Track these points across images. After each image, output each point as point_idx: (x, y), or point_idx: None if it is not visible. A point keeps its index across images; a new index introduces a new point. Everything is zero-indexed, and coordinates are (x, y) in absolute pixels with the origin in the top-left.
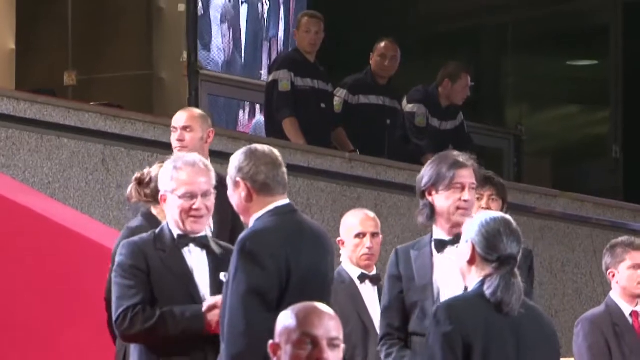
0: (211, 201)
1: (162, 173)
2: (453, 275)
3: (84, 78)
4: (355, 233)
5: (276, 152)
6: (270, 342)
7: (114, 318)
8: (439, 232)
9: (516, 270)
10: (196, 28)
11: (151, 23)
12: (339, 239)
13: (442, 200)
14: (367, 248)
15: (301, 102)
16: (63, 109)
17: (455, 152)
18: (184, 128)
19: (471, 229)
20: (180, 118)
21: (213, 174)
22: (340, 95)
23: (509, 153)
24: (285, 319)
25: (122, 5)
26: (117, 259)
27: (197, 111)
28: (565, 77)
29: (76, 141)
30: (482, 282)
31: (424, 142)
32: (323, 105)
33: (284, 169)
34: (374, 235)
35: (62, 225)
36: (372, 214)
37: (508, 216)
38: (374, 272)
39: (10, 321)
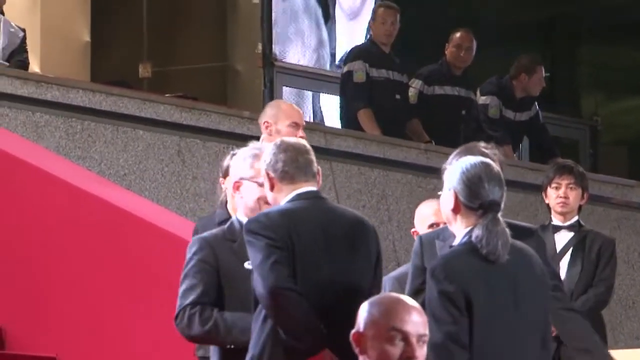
0: None
1: (238, 160)
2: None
3: (159, 70)
4: (428, 223)
5: (302, 142)
6: (354, 331)
7: (179, 307)
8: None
9: (499, 216)
10: (271, 19)
11: (225, 14)
12: (412, 229)
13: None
14: None
15: (376, 93)
16: (138, 100)
17: (481, 145)
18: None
19: (452, 177)
20: (300, 116)
21: None
22: (415, 86)
23: (584, 143)
24: (371, 309)
25: None
26: (187, 254)
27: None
28: None
29: (151, 133)
30: (470, 234)
31: (498, 133)
32: (398, 96)
33: (309, 156)
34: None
35: (138, 216)
36: None
37: (488, 160)
38: None
39: (87, 312)
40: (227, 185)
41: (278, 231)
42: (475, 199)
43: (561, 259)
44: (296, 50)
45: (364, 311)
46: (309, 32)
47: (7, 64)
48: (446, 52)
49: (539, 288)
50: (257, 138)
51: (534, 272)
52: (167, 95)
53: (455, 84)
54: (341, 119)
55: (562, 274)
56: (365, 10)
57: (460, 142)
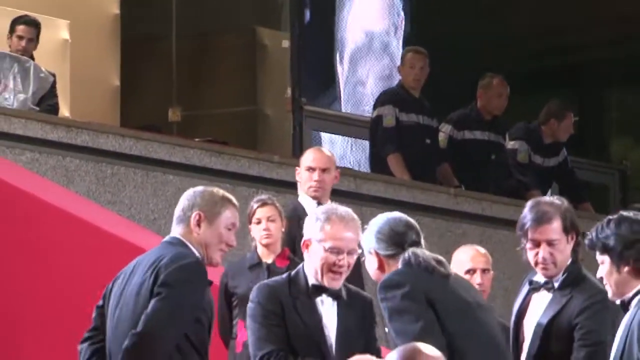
0: (354, 259)
1: (311, 218)
2: (534, 318)
3: (188, 114)
4: (465, 269)
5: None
6: None
7: (257, 357)
8: (539, 274)
9: (417, 248)
10: (300, 64)
11: (255, 59)
12: None
13: (527, 252)
14: (478, 284)
15: (406, 137)
16: (168, 145)
17: (546, 201)
18: (323, 170)
19: (369, 240)
20: (320, 159)
21: (361, 231)
22: (445, 130)
23: (614, 188)
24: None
25: (225, 42)
26: (253, 300)
27: (329, 152)
28: None
29: (181, 177)
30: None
31: (526, 178)
32: (428, 141)
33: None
34: (484, 271)
35: None
36: (482, 250)
37: (396, 213)
38: None
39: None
40: (253, 232)
41: None
42: (396, 247)
43: None
44: (327, 93)
45: None
46: (340, 74)
47: (37, 108)
48: (477, 97)
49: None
50: (286, 183)
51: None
52: (196, 139)
53: (485, 129)
54: (371, 163)
55: None
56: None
57: (489, 187)
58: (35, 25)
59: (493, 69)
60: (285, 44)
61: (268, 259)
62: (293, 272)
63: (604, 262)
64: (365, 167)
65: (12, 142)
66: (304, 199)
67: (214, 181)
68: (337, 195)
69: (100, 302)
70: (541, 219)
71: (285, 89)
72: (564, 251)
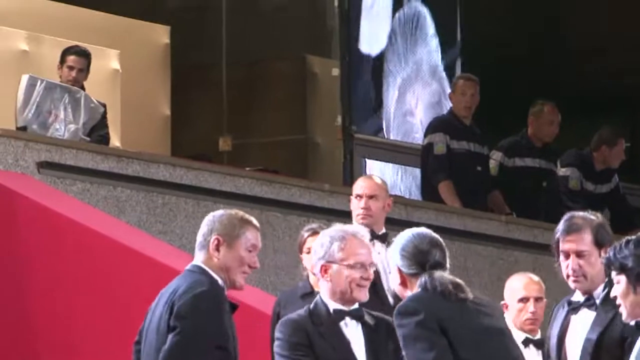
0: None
1: (322, 243)
2: (579, 336)
3: (239, 143)
4: (519, 297)
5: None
6: None
7: None
8: (577, 293)
9: (442, 272)
10: (350, 92)
11: (305, 87)
12: (502, 302)
13: (561, 265)
14: (531, 312)
15: (457, 165)
16: (219, 174)
17: (579, 215)
18: (370, 197)
19: (393, 255)
20: (367, 186)
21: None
22: (496, 158)
23: None
24: None
25: (275, 70)
26: (278, 336)
27: (380, 179)
28: None
29: (232, 206)
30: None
31: (578, 205)
32: (479, 168)
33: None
34: (537, 299)
35: None
36: (536, 278)
37: (423, 230)
38: (537, 336)
39: None
40: (305, 262)
41: None
42: (418, 267)
43: None
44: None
45: None
46: (389, 102)
47: (88, 139)
48: (529, 124)
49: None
50: (337, 211)
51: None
52: (247, 168)
53: (536, 156)
54: (422, 190)
55: None
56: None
57: (541, 215)
58: (85, 55)
59: (545, 95)
60: (335, 72)
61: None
62: (312, 304)
63: (620, 282)
64: (415, 195)
65: (64, 173)
66: (357, 228)
67: (265, 210)
68: (388, 223)
69: (137, 338)
70: (570, 229)
71: (335, 117)
72: (595, 265)
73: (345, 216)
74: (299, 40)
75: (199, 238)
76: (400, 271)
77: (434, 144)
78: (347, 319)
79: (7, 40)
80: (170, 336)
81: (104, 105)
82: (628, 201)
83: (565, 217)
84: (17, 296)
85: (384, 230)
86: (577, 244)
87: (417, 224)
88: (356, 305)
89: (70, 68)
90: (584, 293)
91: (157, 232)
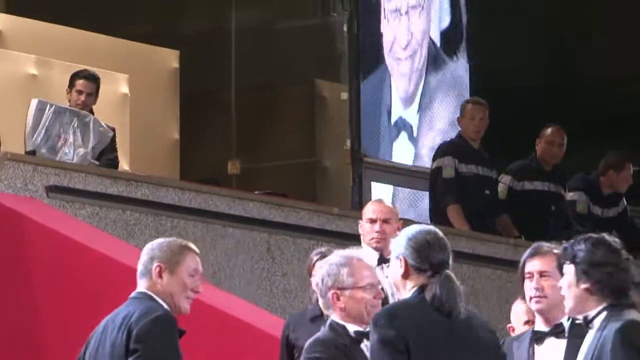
0: None
1: (329, 272)
2: None
3: (247, 167)
4: (524, 320)
5: None
6: None
7: None
8: (539, 322)
9: (451, 274)
10: (359, 115)
11: (314, 111)
12: (508, 325)
13: (525, 290)
14: None
15: (465, 188)
16: (228, 198)
17: (545, 244)
18: (384, 221)
19: (399, 245)
20: (380, 210)
21: None
22: (504, 181)
23: None
24: None
25: (284, 94)
26: (310, 355)
27: (391, 204)
28: None
29: (241, 230)
30: (421, 289)
31: (586, 229)
32: (487, 192)
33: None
34: None
35: (229, 314)
36: None
37: (432, 227)
38: None
39: None
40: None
41: None
42: (424, 261)
43: None
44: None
45: None
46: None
47: (97, 162)
48: (537, 147)
49: (485, 350)
50: (346, 235)
51: (479, 335)
52: (256, 192)
53: (545, 180)
54: (430, 214)
55: None
56: (417, 97)
57: (549, 238)
58: (94, 79)
59: (553, 119)
60: (344, 95)
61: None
62: (327, 327)
63: (568, 273)
64: (424, 218)
65: (73, 197)
66: (367, 251)
67: (273, 234)
68: None
69: None
70: (535, 252)
71: (344, 141)
72: (557, 289)
73: (354, 240)
74: (308, 64)
75: (140, 267)
76: (405, 262)
77: (443, 168)
78: (366, 340)
79: (17, 64)
80: (131, 359)
81: (113, 129)
82: (636, 225)
83: (532, 245)
84: (26, 319)
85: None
86: (540, 264)
87: None
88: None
89: (79, 92)
90: (546, 322)
91: None
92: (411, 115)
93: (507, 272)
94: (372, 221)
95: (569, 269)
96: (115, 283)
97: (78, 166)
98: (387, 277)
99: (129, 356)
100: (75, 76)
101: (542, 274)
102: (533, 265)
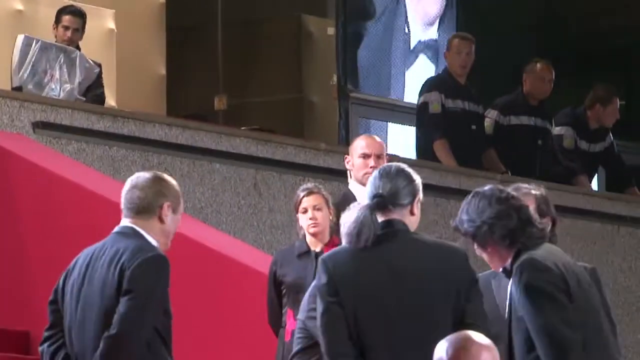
0: None
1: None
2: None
3: (234, 102)
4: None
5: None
6: None
7: None
8: None
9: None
10: (345, 51)
11: (301, 47)
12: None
13: None
14: None
15: (452, 124)
16: (214, 134)
17: (524, 185)
18: (378, 156)
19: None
20: (375, 145)
21: None
22: (491, 116)
23: None
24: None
25: (271, 30)
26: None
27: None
28: None
29: (228, 166)
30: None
31: (573, 163)
32: (474, 127)
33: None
34: None
35: (215, 250)
36: None
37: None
38: None
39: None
40: (300, 221)
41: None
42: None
43: None
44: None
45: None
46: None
47: (84, 98)
48: (524, 82)
49: (435, 283)
50: (333, 170)
51: (419, 257)
52: (243, 128)
53: (531, 114)
54: (417, 149)
55: None
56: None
57: (536, 173)
58: (80, 15)
59: (539, 54)
60: (331, 31)
61: (316, 247)
62: None
63: (478, 249)
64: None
65: (59, 133)
66: (355, 186)
67: (260, 169)
68: None
69: (52, 297)
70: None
71: (331, 77)
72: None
73: (340, 175)
74: None
75: (137, 201)
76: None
77: (430, 103)
78: None
79: (2, 0)
80: (123, 300)
81: (100, 65)
82: (623, 160)
83: (511, 187)
84: (13, 255)
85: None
86: None
87: None
88: None
89: (66, 28)
90: None
91: None
92: (432, 34)
93: None
94: (366, 156)
95: (473, 243)
96: (101, 219)
97: (64, 102)
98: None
99: (122, 296)
100: (61, 12)
101: None
102: None
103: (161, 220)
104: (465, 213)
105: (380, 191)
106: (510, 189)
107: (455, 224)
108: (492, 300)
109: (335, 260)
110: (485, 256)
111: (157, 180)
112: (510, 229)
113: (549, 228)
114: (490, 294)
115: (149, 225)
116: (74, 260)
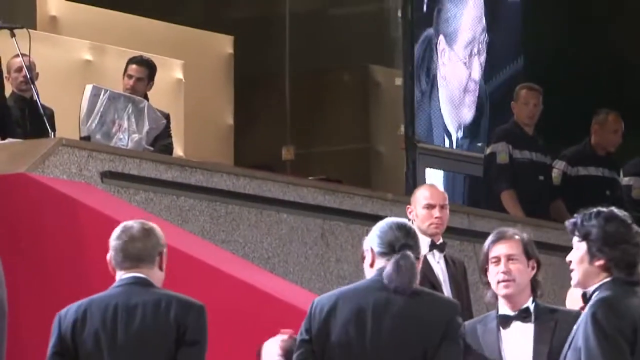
0: None
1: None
2: (521, 349)
3: (301, 152)
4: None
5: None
6: None
7: None
8: (503, 306)
9: (409, 253)
10: (413, 101)
11: (368, 97)
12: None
13: (490, 276)
14: None
15: (519, 174)
16: (282, 184)
17: (508, 228)
18: (442, 206)
19: (370, 239)
20: (438, 195)
21: None
22: (558, 167)
23: None
24: None
25: (339, 80)
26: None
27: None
28: None
29: (295, 216)
30: (380, 271)
31: None
32: (541, 178)
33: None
34: None
35: (283, 300)
36: None
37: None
38: None
39: None
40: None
41: None
42: (387, 246)
43: None
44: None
45: None
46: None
47: (152, 148)
48: (592, 133)
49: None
50: None
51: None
52: (310, 178)
53: (599, 165)
54: (484, 199)
55: None
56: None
57: None
58: (147, 65)
59: (607, 105)
60: (399, 81)
61: None
62: None
63: (580, 249)
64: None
65: (127, 182)
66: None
67: (327, 219)
68: (451, 232)
69: (58, 349)
70: (500, 236)
71: (398, 127)
72: (524, 274)
73: None
74: (362, 50)
75: (140, 251)
76: (372, 251)
77: (497, 153)
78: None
79: (71, 50)
80: (190, 349)
81: (168, 115)
82: None
83: (495, 231)
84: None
85: (442, 240)
86: (507, 248)
87: (480, 233)
88: None
89: (130, 77)
90: (512, 307)
91: (220, 241)
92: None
93: (561, 258)
94: (431, 207)
95: (581, 246)
96: (170, 268)
97: (132, 152)
98: (438, 262)
99: (183, 345)
100: (129, 61)
101: (509, 258)
102: (499, 250)
103: (160, 268)
104: (600, 223)
105: None
106: (494, 233)
107: (577, 224)
108: (478, 346)
109: None
110: (582, 266)
111: (152, 230)
112: (633, 259)
113: (533, 273)
114: (477, 340)
115: (152, 274)
116: (78, 309)
